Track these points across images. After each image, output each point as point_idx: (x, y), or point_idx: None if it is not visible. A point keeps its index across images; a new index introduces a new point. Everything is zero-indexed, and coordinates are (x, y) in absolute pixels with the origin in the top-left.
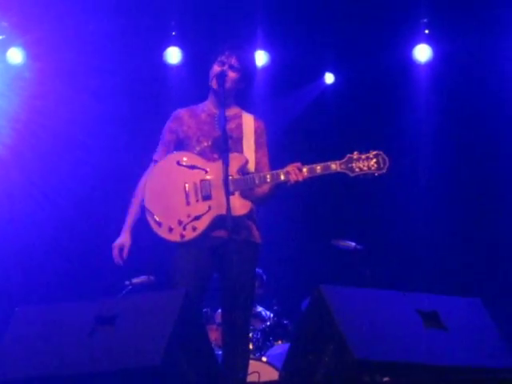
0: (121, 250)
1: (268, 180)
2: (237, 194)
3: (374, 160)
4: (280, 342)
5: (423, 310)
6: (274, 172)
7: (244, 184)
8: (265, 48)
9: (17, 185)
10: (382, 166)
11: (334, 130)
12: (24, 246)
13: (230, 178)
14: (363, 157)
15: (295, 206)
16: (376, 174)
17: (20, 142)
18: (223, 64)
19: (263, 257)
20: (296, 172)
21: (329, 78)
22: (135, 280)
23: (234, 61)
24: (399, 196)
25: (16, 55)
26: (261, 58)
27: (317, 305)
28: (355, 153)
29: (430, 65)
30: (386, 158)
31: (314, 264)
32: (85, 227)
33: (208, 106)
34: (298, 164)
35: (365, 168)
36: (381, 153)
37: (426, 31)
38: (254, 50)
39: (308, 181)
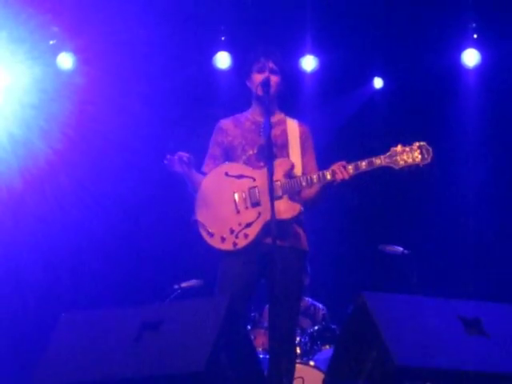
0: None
1: (315, 181)
2: (285, 197)
3: (418, 151)
4: (328, 346)
5: (466, 317)
6: (320, 172)
7: (290, 187)
8: (314, 53)
9: (66, 190)
10: (426, 156)
11: (382, 135)
12: (74, 251)
13: (278, 182)
14: (407, 149)
15: (343, 211)
16: (421, 165)
17: (70, 147)
18: (263, 71)
19: (312, 261)
20: (341, 170)
21: (378, 82)
22: (184, 284)
23: (271, 65)
24: (448, 201)
25: (66, 60)
26: (310, 62)
27: (359, 311)
28: (399, 145)
29: (478, 69)
30: (430, 149)
31: (362, 269)
32: (135, 231)
33: (252, 115)
34: (343, 162)
35: (409, 160)
36: (424, 144)
37: (475, 36)
38: (303, 54)
39: (355, 180)
